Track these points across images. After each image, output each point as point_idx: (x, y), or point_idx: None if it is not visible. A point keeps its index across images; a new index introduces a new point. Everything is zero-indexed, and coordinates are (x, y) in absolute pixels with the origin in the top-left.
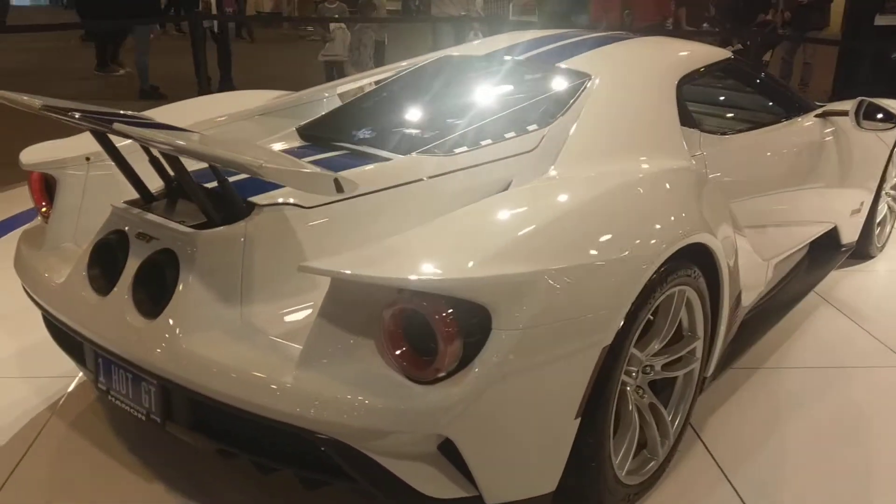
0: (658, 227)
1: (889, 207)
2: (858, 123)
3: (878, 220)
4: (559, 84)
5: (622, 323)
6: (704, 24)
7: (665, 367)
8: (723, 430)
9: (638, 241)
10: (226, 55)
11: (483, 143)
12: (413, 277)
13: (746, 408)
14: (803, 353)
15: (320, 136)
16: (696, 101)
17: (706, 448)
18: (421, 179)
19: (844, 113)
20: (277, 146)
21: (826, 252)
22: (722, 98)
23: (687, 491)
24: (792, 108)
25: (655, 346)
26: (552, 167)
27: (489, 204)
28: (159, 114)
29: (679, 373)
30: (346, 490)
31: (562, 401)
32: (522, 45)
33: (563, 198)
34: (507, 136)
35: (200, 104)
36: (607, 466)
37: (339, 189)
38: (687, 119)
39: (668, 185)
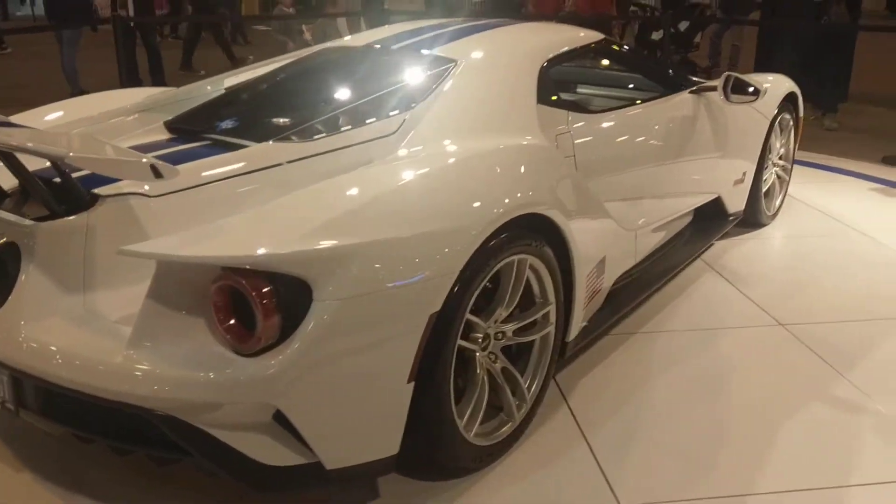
0: (486, 200)
1: (778, 177)
2: (727, 97)
3: (764, 190)
4: (426, 70)
5: (454, 290)
6: (632, 8)
7: (517, 332)
8: (589, 392)
9: (464, 214)
10: (154, 57)
11: (343, 128)
12: (229, 254)
13: (616, 370)
14: (679, 317)
15: (186, 128)
16: (569, 82)
17: (570, 410)
18: (279, 164)
19: (715, 88)
20: (137, 140)
21: (711, 221)
22: (597, 78)
23: (544, 450)
24: (669, 85)
25: (501, 313)
26: (402, 148)
27: (326, 184)
28: (38, 114)
29: (533, 337)
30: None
31: (392, 366)
32: (401, 35)
33: (393, 175)
34: (368, 121)
35: (85, 102)
36: (452, 428)
37: (158, 175)
38: (553, 99)
39: (505, 161)
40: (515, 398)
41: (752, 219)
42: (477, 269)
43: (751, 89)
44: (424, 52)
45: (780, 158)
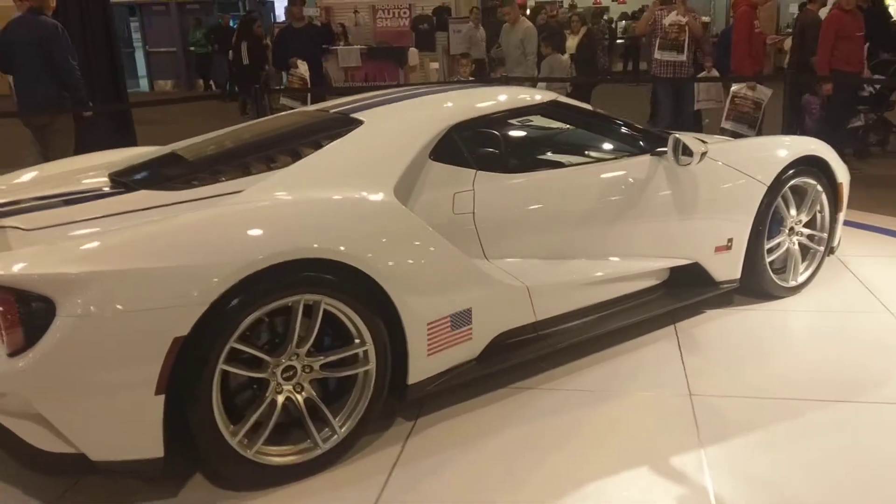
0: (253, 243)
1: (803, 247)
2: (678, 161)
3: (772, 259)
4: (330, 131)
5: (206, 319)
6: None
7: (328, 367)
8: (430, 435)
9: (226, 252)
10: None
11: (222, 180)
12: None
13: (475, 421)
14: (593, 377)
15: (115, 178)
16: (502, 142)
17: (402, 448)
18: (150, 208)
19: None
20: (76, 187)
21: (688, 286)
22: (545, 140)
23: (345, 484)
24: (631, 147)
25: (296, 348)
26: (246, 191)
27: (124, 219)
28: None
29: (346, 373)
30: None
31: (136, 378)
32: (357, 100)
33: (186, 214)
34: (253, 171)
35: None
36: (219, 441)
37: None
38: (458, 158)
39: (307, 210)
40: (328, 428)
41: (758, 290)
42: (243, 304)
43: (691, 152)
44: (350, 115)
45: (807, 227)
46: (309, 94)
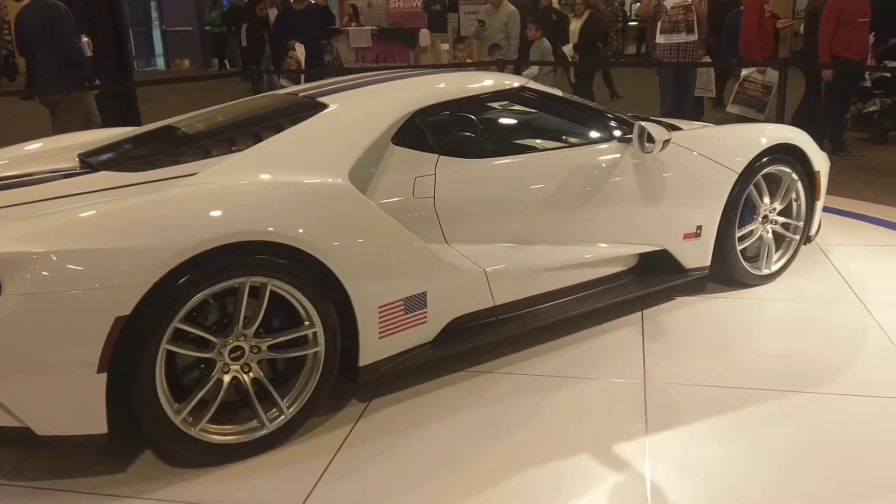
0: (195, 225)
1: (778, 235)
2: (642, 148)
3: (743, 248)
4: (298, 113)
5: (148, 299)
6: None
7: (276, 348)
8: (378, 418)
9: (168, 234)
10: None
11: (182, 160)
12: None
13: (429, 404)
14: (550, 363)
15: (84, 159)
16: (454, 129)
17: (352, 430)
18: (107, 189)
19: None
20: (44, 167)
21: (655, 273)
22: (497, 124)
23: (289, 463)
24: (599, 134)
25: (243, 330)
26: (200, 174)
27: (85, 198)
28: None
29: (295, 354)
30: None
31: (78, 356)
32: (325, 84)
33: (134, 196)
34: (213, 153)
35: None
36: (162, 418)
37: None
38: (420, 143)
39: (252, 192)
40: (275, 409)
41: (730, 277)
42: (186, 285)
43: (654, 139)
44: (317, 99)
45: (782, 215)
46: (302, 77)
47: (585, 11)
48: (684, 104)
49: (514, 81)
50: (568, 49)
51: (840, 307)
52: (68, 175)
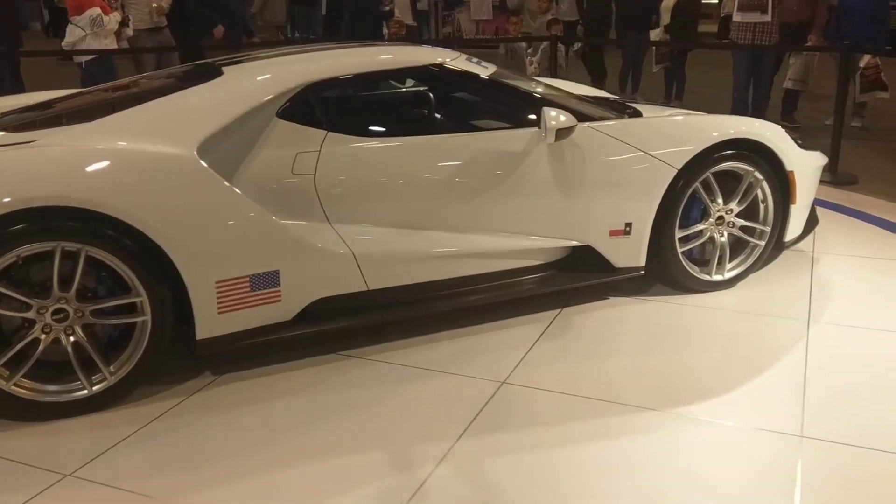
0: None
1: (739, 240)
2: (545, 136)
3: (685, 249)
4: (194, 79)
5: None
6: None
7: (101, 314)
8: (222, 394)
9: None
10: None
11: (65, 124)
12: None
13: (277, 383)
14: (424, 354)
15: None
16: (350, 105)
17: (180, 402)
18: None
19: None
20: None
21: (579, 270)
22: (403, 104)
23: (100, 427)
24: (515, 118)
25: (60, 292)
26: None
27: None
28: None
29: (118, 321)
30: None
31: None
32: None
33: None
34: (77, 120)
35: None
36: None
37: None
38: (307, 119)
39: (67, 159)
40: (101, 373)
41: (672, 280)
42: None
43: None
44: (221, 68)
45: (749, 219)
46: None
47: None
48: (759, 93)
49: (435, 58)
50: (657, 34)
51: (780, 324)
52: None
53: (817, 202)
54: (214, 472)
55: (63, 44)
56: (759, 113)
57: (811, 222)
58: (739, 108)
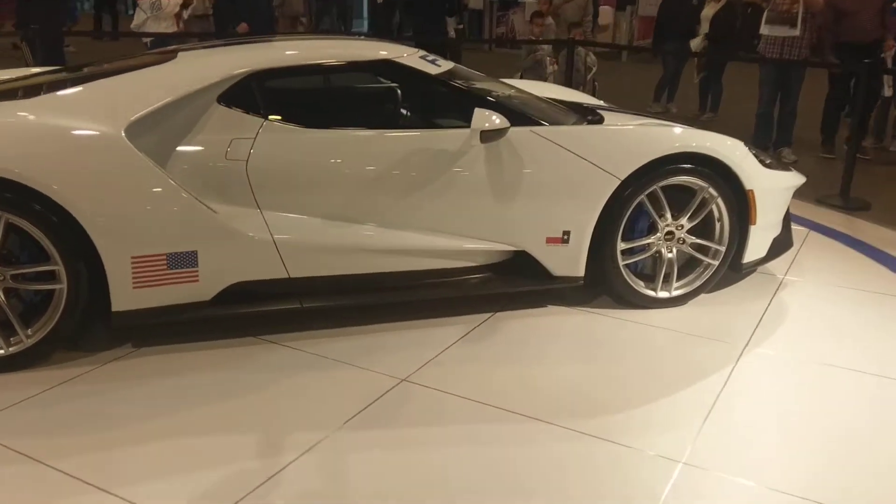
0: None
1: (689, 257)
2: (481, 139)
3: (628, 262)
4: (148, 64)
5: None
6: None
7: (21, 279)
8: (132, 366)
9: None
10: None
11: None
12: None
13: (190, 360)
14: (341, 345)
15: None
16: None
17: (91, 370)
18: None
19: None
20: None
21: (515, 275)
22: (347, 97)
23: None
24: (460, 118)
25: None
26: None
27: None
28: None
29: (35, 287)
30: None
31: None
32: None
33: None
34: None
35: None
36: None
37: None
38: (246, 106)
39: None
40: (19, 335)
41: (614, 293)
42: None
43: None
44: (178, 53)
45: (703, 237)
46: None
47: None
48: (785, 110)
49: (384, 54)
50: (696, 43)
51: (713, 348)
52: None
53: (813, 225)
54: (100, 437)
55: (132, 26)
56: (785, 131)
57: (781, 245)
58: (762, 125)
